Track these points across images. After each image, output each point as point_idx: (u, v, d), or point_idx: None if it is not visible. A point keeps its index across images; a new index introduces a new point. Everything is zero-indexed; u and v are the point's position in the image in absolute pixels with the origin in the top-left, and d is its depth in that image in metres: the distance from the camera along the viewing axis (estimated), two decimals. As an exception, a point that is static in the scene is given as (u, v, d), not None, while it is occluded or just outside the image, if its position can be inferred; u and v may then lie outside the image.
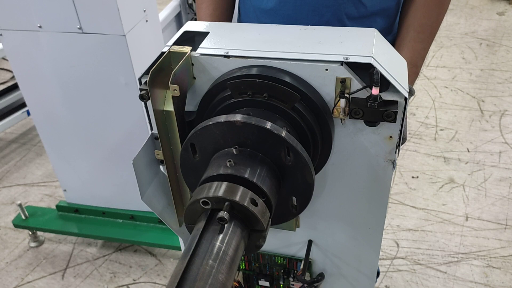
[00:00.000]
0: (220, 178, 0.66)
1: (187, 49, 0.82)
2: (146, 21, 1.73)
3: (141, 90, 0.86)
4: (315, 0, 1.00)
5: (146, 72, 0.87)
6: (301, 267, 1.06)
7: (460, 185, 2.51)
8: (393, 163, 0.86)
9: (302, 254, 1.08)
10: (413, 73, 1.02)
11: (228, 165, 0.67)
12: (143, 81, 0.88)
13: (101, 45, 1.61)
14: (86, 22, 1.58)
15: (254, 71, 0.76)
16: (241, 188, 0.64)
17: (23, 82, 1.83)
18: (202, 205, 0.64)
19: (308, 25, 1.00)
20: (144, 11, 1.72)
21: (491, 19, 4.33)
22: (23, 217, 2.20)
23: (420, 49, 1.06)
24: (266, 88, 0.74)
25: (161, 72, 0.82)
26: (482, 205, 2.38)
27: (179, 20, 3.32)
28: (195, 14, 3.31)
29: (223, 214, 0.60)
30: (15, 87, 3.03)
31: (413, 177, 2.58)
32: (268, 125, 0.68)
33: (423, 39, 1.06)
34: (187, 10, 3.31)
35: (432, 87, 3.38)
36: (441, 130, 2.95)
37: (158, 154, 0.90)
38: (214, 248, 0.59)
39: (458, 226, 2.27)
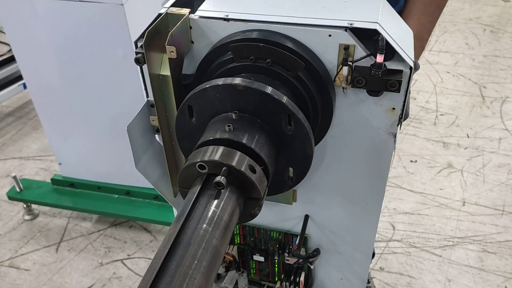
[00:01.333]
0: (217, 142, 0.64)
1: (185, 11, 0.79)
2: (145, -9, 1.69)
3: (137, 53, 0.83)
4: None
5: (142, 35, 0.84)
6: (297, 242, 1.04)
7: (459, 170, 2.50)
8: (394, 136, 0.84)
9: (298, 229, 1.06)
10: (419, 46, 0.99)
11: (227, 130, 0.65)
12: (139, 44, 0.85)
13: (98, 14, 1.57)
14: (84, -10, 1.53)
15: (257, 35, 0.73)
16: (239, 153, 0.62)
17: (20, 53, 1.79)
18: (198, 168, 0.61)
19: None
20: (144, -19, 1.67)
21: (496, 5, 4.27)
22: (17, 189, 2.18)
23: (427, 22, 1.03)
24: (270, 53, 0.71)
25: (157, 34, 0.79)
26: (479, 191, 2.37)
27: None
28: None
29: (220, 178, 0.58)
30: (11, 59, 2.98)
31: (411, 161, 2.56)
32: (271, 90, 0.65)
33: (430, 12, 1.03)
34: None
35: (434, 72, 3.34)
36: (441, 115, 2.92)
37: (153, 121, 0.87)
38: (209, 212, 0.57)
39: (454, 211, 2.26)
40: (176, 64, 0.77)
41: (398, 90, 0.74)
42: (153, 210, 2.11)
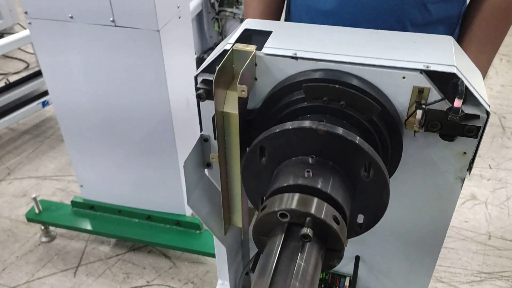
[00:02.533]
0: (298, 189, 0.61)
1: (251, 47, 0.77)
2: (179, 17, 1.69)
3: (198, 89, 0.81)
4: (379, 3, 0.94)
5: (204, 70, 0.82)
6: (346, 283, 1.00)
7: (483, 202, 2.45)
8: (462, 181, 0.81)
9: (346, 270, 1.03)
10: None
11: (306, 176, 0.62)
12: (199, 79, 0.83)
13: (133, 39, 1.56)
14: (120, 15, 1.53)
15: (330, 75, 0.71)
16: (325, 204, 0.59)
17: (49, 72, 1.78)
18: (279, 217, 0.58)
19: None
20: (178, 7, 1.67)
21: (511, 34, 4.27)
22: (36, 211, 2.14)
23: (485, 61, 1.01)
24: (345, 95, 0.69)
25: (223, 71, 0.77)
26: (505, 224, 2.32)
27: (199, 20, 3.27)
28: (217, 14, 3.27)
29: (307, 231, 0.55)
30: (29, 78, 2.98)
31: (434, 191, 2.52)
32: (354, 138, 0.62)
33: (488, 50, 1.01)
34: (209, 9, 3.26)
35: (453, 101, 3.32)
36: (462, 144, 2.89)
37: (213, 158, 0.85)
38: (295, 267, 0.54)
39: (480, 245, 2.21)
40: (243, 102, 0.75)
41: (475, 136, 0.71)
42: (173, 236, 2.07)
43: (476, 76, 0.78)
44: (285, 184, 0.62)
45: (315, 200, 0.59)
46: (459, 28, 1.09)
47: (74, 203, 2.16)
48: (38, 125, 3.14)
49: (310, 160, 0.64)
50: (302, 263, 0.54)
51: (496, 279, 2.05)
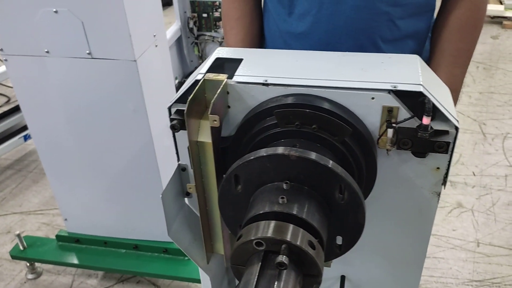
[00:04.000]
0: (272, 216, 0.61)
1: (223, 77, 0.78)
2: (156, 46, 1.70)
3: (172, 120, 0.81)
4: (349, 24, 0.96)
5: (177, 101, 0.83)
6: (333, 304, 1.00)
7: (469, 209, 2.47)
8: (438, 195, 0.82)
9: (332, 290, 1.02)
10: (454, 98, 0.99)
11: (281, 202, 0.62)
12: (173, 110, 0.83)
13: (111, 70, 1.57)
14: (96, 47, 1.53)
15: (301, 100, 0.72)
16: (300, 230, 0.59)
17: (27, 107, 1.77)
18: (255, 246, 0.58)
19: (341, 49, 0.97)
20: (154, 36, 1.68)
21: (485, 42, 4.39)
22: (21, 247, 2.10)
23: (458, 74, 1.03)
24: (317, 119, 0.70)
25: (195, 101, 0.77)
26: (492, 230, 2.34)
27: (179, 45, 3.30)
28: (196, 38, 3.30)
29: (282, 258, 0.55)
30: (10, 112, 2.95)
31: (420, 201, 2.54)
32: (326, 161, 0.63)
33: (461, 63, 1.03)
34: (188, 34, 3.29)
35: (433, 111, 3.37)
36: (445, 153, 2.93)
37: (190, 188, 0.85)
38: (273, 296, 0.54)
39: (470, 252, 2.22)
40: (216, 131, 0.75)
41: (446, 151, 0.73)
42: (162, 265, 2.04)
43: (443, 93, 0.80)
44: (260, 212, 0.63)
45: (290, 226, 0.59)
46: (429, 41, 1.11)
47: (59, 237, 2.13)
48: (21, 159, 3.10)
49: (285, 186, 0.64)
50: (278, 292, 0.54)
51: (487, 287, 2.05)
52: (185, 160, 0.88)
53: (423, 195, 0.81)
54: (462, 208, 2.49)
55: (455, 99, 1.01)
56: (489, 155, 2.88)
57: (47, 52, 1.58)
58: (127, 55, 1.52)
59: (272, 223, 0.59)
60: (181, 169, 0.90)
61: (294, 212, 0.61)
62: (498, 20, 4.72)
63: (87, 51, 1.54)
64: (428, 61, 1.09)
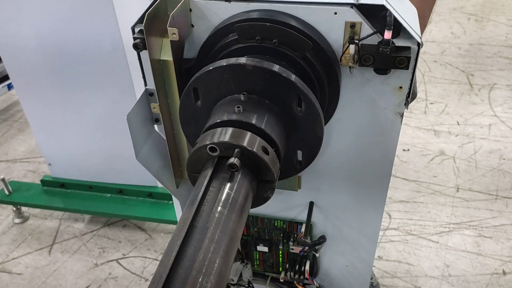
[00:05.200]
0: (227, 124, 0.62)
1: (185, -8, 0.76)
2: (133, -18, 1.65)
3: (135, 38, 0.80)
4: None
5: (140, 20, 0.81)
6: (302, 229, 1.02)
7: (451, 157, 2.51)
8: (401, 116, 0.82)
9: (302, 217, 1.05)
10: (421, 24, 0.98)
11: (236, 111, 0.62)
12: (136, 29, 0.82)
13: (85, 7, 1.53)
14: (70, -18, 1.49)
15: (263, 15, 0.71)
16: (251, 134, 0.60)
17: (5, 51, 1.74)
18: (209, 151, 0.59)
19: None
20: (131, -29, 1.63)
21: (478, -6, 4.31)
22: (6, 192, 2.12)
23: None
24: (277, 33, 0.69)
25: (157, 18, 0.76)
26: (472, 177, 2.38)
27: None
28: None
29: (234, 160, 0.56)
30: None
31: (404, 150, 2.56)
32: (282, 70, 0.63)
33: None
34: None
35: (422, 62, 3.35)
36: (431, 103, 2.94)
37: (154, 108, 0.85)
38: (223, 195, 0.55)
39: (449, 197, 2.27)
40: (177, 48, 0.74)
41: (407, 67, 0.72)
42: (147, 208, 2.07)
43: (409, 10, 0.79)
44: (217, 121, 0.63)
45: (244, 132, 0.60)
46: None
47: (44, 182, 2.15)
48: (6, 109, 3.08)
49: (242, 97, 0.64)
50: (228, 191, 0.55)
51: (464, 229, 2.11)
52: (153, 85, 0.87)
53: (386, 116, 0.82)
54: (444, 156, 2.52)
55: (423, 25, 1.00)
56: (475, 105, 2.89)
57: (20, -12, 1.53)
58: (101, -11, 1.48)
59: (224, 129, 0.60)
60: (149, 94, 0.89)
61: (247, 120, 0.61)
62: (493, -29, 4.61)
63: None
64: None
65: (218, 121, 0.63)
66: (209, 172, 0.58)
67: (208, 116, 0.70)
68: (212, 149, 0.59)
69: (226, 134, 0.59)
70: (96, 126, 1.90)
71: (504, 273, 1.90)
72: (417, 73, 3.21)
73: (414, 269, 1.94)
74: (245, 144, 0.58)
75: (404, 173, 2.41)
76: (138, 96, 1.74)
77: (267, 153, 0.60)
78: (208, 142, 0.59)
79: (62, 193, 2.14)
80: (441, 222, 2.15)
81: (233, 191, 0.56)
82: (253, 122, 0.61)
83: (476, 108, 2.87)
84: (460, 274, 1.91)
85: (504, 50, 3.45)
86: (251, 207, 0.64)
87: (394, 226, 2.14)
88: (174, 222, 2.06)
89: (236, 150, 0.58)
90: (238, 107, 0.63)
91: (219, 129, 0.61)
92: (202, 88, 0.68)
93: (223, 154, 0.60)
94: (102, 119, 1.87)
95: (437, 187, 2.33)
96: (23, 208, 2.23)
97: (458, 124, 2.74)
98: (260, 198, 0.64)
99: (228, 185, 0.57)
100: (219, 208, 0.53)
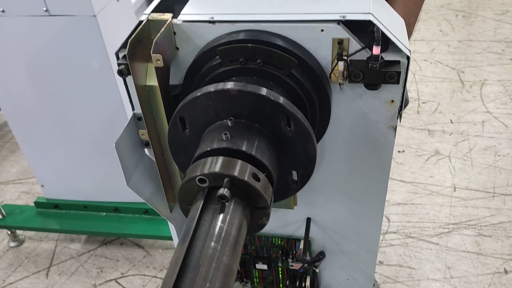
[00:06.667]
0: (215, 153, 0.60)
1: (167, 16, 0.75)
2: (117, 0, 1.63)
3: (119, 64, 0.78)
4: None
5: (124, 46, 0.80)
6: (301, 246, 1.01)
7: (446, 156, 2.50)
8: (395, 129, 0.81)
9: (300, 233, 1.03)
10: (407, 31, 0.97)
11: (224, 138, 0.61)
12: (120, 55, 0.80)
13: (70, 28, 1.51)
14: (53, 4, 1.47)
15: (245, 35, 0.70)
16: (240, 162, 0.58)
17: (-11, 73, 1.71)
18: (198, 183, 0.57)
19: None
20: (115, -10, 1.62)
21: (463, -10, 4.32)
22: (0, 216, 2.09)
23: (412, 5, 1.01)
24: (260, 53, 0.67)
25: (140, 43, 0.74)
26: (469, 175, 2.38)
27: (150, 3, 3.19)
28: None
29: (223, 191, 0.54)
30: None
31: (399, 151, 2.56)
32: (266, 92, 0.61)
33: None
34: (159, -7, 3.18)
35: (412, 61, 3.34)
36: (423, 103, 2.93)
37: (143, 135, 0.83)
38: (216, 228, 0.53)
39: (446, 197, 2.26)
40: (163, 73, 0.73)
41: (397, 82, 0.71)
42: (143, 225, 2.05)
43: (396, 23, 0.78)
44: (205, 150, 0.61)
45: (232, 160, 0.58)
46: None
47: (37, 204, 2.12)
48: (-4, 130, 3.04)
49: (229, 123, 0.63)
50: (220, 224, 0.53)
51: (463, 229, 2.10)
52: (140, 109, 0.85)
53: (379, 130, 0.80)
54: (440, 155, 2.51)
55: (409, 32, 0.99)
56: (467, 102, 2.89)
57: (3, 11, 1.51)
58: (85, 11, 1.46)
59: (212, 159, 0.58)
60: (137, 118, 0.88)
61: (235, 147, 0.60)
62: (477, -34, 4.63)
63: (44, 8, 1.48)
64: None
65: (206, 150, 0.61)
66: (199, 205, 0.56)
67: (197, 143, 0.68)
68: (201, 181, 0.57)
69: (213, 164, 0.58)
70: (88, 146, 1.88)
71: (506, 271, 1.89)
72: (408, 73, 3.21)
73: (415, 273, 1.93)
74: (234, 173, 0.56)
75: (401, 175, 2.41)
76: (129, 113, 1.73)
77: (257, 179, 0.58)
78: (196, 174, 0.57)
79: (56, 214, 2.11)
80: (440, 223, 2.14)
81: (226, 224, 0.55)
82: (242, 148, 0.60)
83: (469, 105, 2.87)
84: (462, 275, 1.90)
85: (493, 45, 3.46)
86: (248, 234, 0.62)
87: (393, 230, 2.13)
88: (172, 238, 2.04)
89: (226, 179, 0.56)
90: (225, 133, 0.61)
91: (207, 159, 0.59)
92: (188, 117, 0.66)
93: (213, 185, 0.58)
94: (94, 138, 1.85)
95: (434, 188, 2.32)
96: (18, 231, 2.20)
97: (452, 122, 2.74)
98: (255, 226, 0.62)
99: (220, 217, 0.55)
100: (212, 243, 0.51)
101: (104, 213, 2.09)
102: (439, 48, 3.48)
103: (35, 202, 2.12)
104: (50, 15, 1.49)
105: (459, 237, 2.06)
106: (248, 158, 0.60)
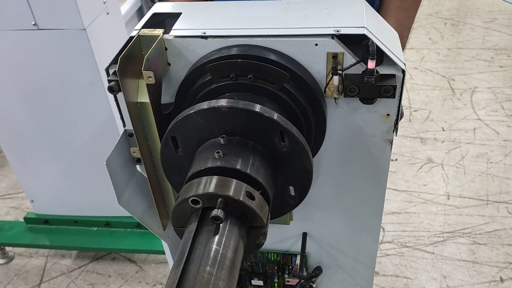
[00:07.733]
0: (208, 172, 0.58)
1: (158, 31, 0.73)
2: (107, 13, 1.62)
3: (109, 81, 0.76)
4: None
5: (114, 62, 0.78)
6: (297, 262, 0.99)
7: (439, 164, 2.51)
8: (391, 143, 0.80)
9: (296, 248, 1.01)
10: (401, 44, 0.96)
11: (217, 157, 0.59)
12: (111, 71, 0.78)
13: (59, 41, 1.49)
14: (42, 18, 1.45)
15: (235, 51, 0.69)
16: (234, 181, 0.56)
17: (-24, 88, 1.68)
18: (191, 204, 0.55)
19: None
20: (104, 2, 1.60)
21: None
22: (-12, 233, 2.05)
23: (405, 18, 1.01)
24: (251, 68, 0.66)
25: (131, 59, 0.73)
26: (462, 183, 2.38)
27: (141, 15, 3.18)
28: (158, 8, 3.19)
29: (217, 212, 0.52)
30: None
31: (392, 160, 2.55)
32: (258, 108, 0.60)
33: (407, 7, 1.01)
34: (149, 4, 3.18)
35: (403, 69, 3.37)
36: (415, 111, 2.94)
37: (134, 152, 0.81)
38: (211, 252, 0.52)
39: (440, 206, 2.26)
40: (154, 90, 0.71)
41: (393, 96, 0.70)
42: (136, 239, 2.02)
43: (390, 36, 0.77)
44: (197, 170, 0.60)
45: (225, 180, 0.56)
46: None
47: (27, 220, 2.08)
48: (-16, 144, 2.99)
49: (222, 141, 0.61)
50: (215, 247, 0.52)
51: (458, 237, 2.10)
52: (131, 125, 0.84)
53: (375, 143, 0.79)
54: (432, 163, 2.51)
55: (402, 45, 0.99)
56: (458, 110, 2.91)
57: (-10, 25, 1.49)
58: (75, 24, 1.45)
59: (202, 179, 0.57)
60: (128, 134, 0.86)
61: (228, 166, 0.58)
62: (464, -25, 4.69)
63: (33, 22, 1.46)
64: (379, 8, 1.06)
65: (198, 169, 0.59)
66: (193, 227, 0.54)
67: (190, 162, 0.67)
68: (195, 202, 0.56)
69: (206, 184, 0.56)
70: (78, 160, 1.85)
71: (501, 280, 1.89)
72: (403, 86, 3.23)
73: (412, 283, 1.91)
74: (228, 193, 0.55)
75: (394, 184, 2.40)
76: (120, 127, 1.70)
77: (252, 198, 0.56)
78: (189, 195, 0.56)
79: (46, 229, 2.08)
80: (434, 231, 2.13)
81: (221, 246, 0.53)
82: (236, 166, 0.58)
83: (460, 112, 2.89)
84: (458, 284, 1.89)
85: (482, 53, 3.49)
86: (245, 255, 0.61)
87: (389, 239, 2.12)
88: (164, 252, 2.01)
89: (219, 200, 0.55)
90: (217, 152, 0.60)
91: (201, 179, 0.57)
92: (180, 136, 0.64)
93: (207, 205, 0.56)
94: (84, 152, 1.82)
95: (428, 196, 2.32)
96: (8, 248, 2.15)
97: (443, 130, 2.75)
98: (253, 245, 0.60)
99: (215, 239, 0.53)
100: (207, 268, 0.50)
101: (95, 228, 2.06)
102: (429, 56, 3.51)
103: (24, 218, 2.09)
104: (39, 29, 1.48)
105: (454, 246, 2.05)
106: (242, 176, 0.58)
